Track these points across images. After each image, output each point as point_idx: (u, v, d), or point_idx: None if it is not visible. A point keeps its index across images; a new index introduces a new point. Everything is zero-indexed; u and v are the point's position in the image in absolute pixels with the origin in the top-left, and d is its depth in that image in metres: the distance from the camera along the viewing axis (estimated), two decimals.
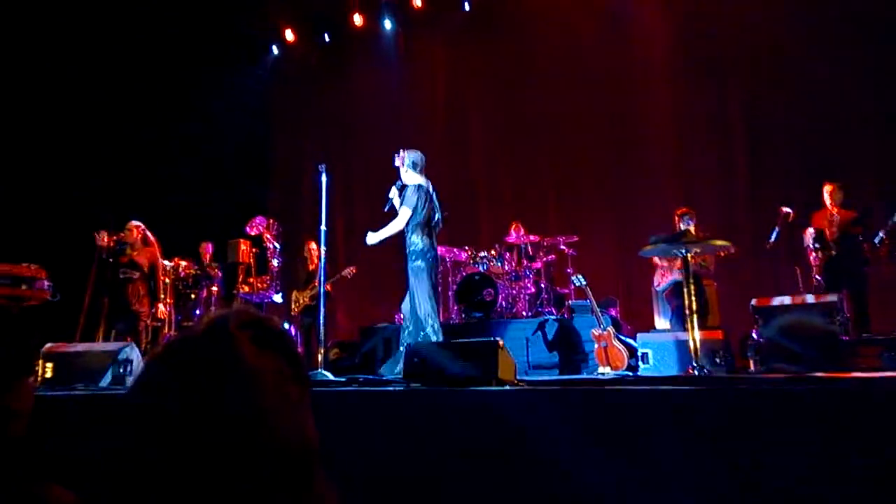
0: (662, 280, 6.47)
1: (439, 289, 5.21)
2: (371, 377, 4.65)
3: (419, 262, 5.01)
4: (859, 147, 7.06)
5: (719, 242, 4.03)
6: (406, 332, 5.06)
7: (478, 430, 3.08)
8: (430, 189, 5.18)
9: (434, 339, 4.78)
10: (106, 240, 6.71)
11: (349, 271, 7.63)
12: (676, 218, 6.43)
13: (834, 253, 5.91)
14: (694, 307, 3.93)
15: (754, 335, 5.54)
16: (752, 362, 5.53)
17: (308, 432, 0.85)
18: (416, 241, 5.03)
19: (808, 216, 6.19)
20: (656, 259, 6.49)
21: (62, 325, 6.40)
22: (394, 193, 5.24)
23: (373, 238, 5.27)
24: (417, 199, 5.04)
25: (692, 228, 3.95)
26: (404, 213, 5.07)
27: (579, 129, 8.78)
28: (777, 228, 6.01)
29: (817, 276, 6.02)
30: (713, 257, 5.87)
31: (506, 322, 6.70)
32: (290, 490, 0.81)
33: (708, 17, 8.03)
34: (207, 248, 8.11)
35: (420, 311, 4.92)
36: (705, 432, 2.73)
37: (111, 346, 5.11)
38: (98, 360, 4.70)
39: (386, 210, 5.32)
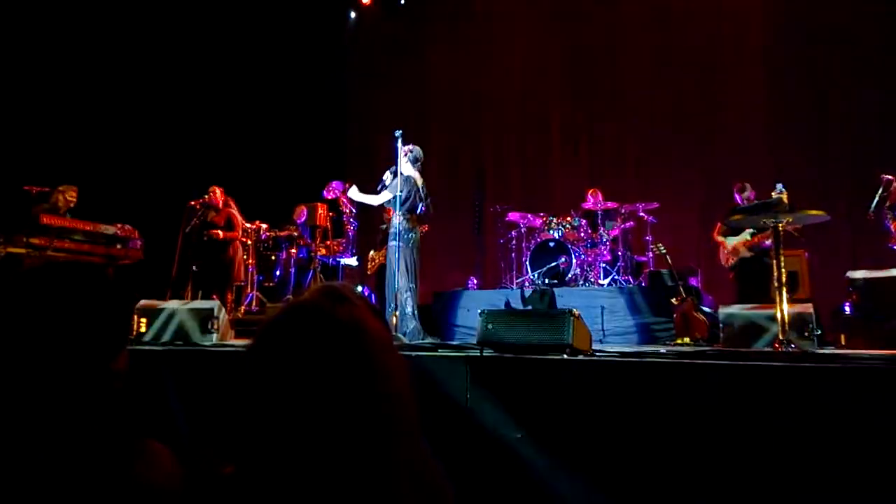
0: (730, 257, 6.21)
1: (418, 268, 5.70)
2: (440, 342, 4.70)
3: (396, 243, 5.50)
4: None
5: (813, 212, 3.78)
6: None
7: (551, 399, 3.06)
8: (421, 183, 5.66)
9: (410, 315, 5.29)
10: (193, 202, 7.00)
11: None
12: (736, 192, 6.13)
13: None
14: (784, 279, 3.72)
15: (847, 308, 5.23)
16: (843, 337, 5.23)
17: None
18: (397, 223, 5.52)
19: None
20: (718, 236, 6.24)
21: (154, 282, 6.76)
22: (387, 177, 5.75)
23: (355, 194, 5.93)
24: (408, 189, 5.57)
25: (784, 197, 3.70)
26: (385, 196, 5.69)
27: (663, 93, 8.44)
28: (878, 196, 5.58)
29: None
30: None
31: (580, 290, 6.59)
32: (406, 446, 0.88)
33: None
34: (302, 212, 8.32)
35: (396, 286, 5.38)
36: (781, 411, 2.61)
37: (199, 303, 5.34)
38: (187, 316, 4.94)
39: (378, 190, 5.86)
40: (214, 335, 4.86)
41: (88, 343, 1.06)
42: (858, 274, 4.63)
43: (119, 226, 6.38)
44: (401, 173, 5.56)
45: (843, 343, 4.94)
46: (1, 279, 1.11)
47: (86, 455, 0.98)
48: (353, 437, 0.83)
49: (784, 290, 3.75)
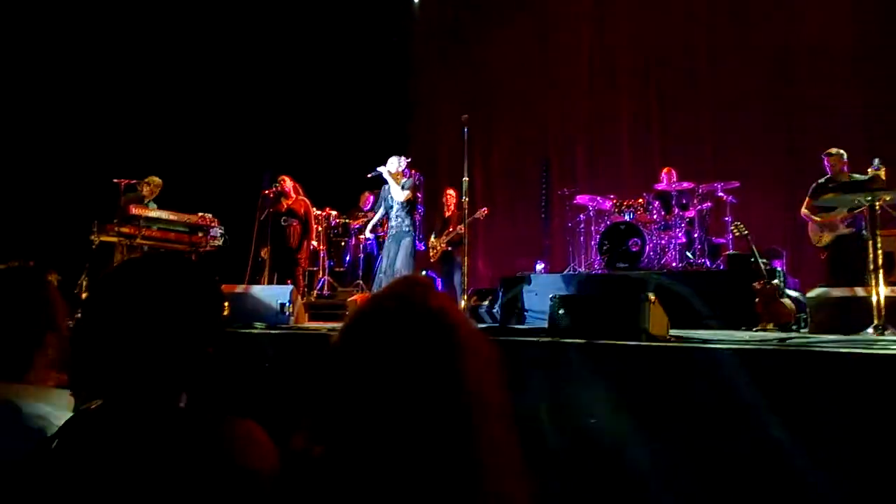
0: (824, 235, 5.81)
1: None
2: (511, 327, 4.66)
3: (411, 240, 6.25)
4: None
5: None
6: None
7: (627, 386, 2.98)
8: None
9: None
10: (267, 191, 7.22)
11: (481, 213, 7.57)
12: (826, 158, 5.71)
13: None
14: (880, 261, 3.48)
15: None
16: None
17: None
18: (410, 223, 6.29)
19: None
20: (807, 211, 5.86)
21: (233, 268, 7.03)
22: (384, 169, 6.44)
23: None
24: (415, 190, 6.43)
25: (882, 173, 3.45)
26: (406, 195, 6.35)
27: (742, 64, 8.03)
28: None
29: None
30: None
31: (653, 273, 6.38)
32: (496, 431, 0.90)
33: None
34: (368, 199, 8.45)
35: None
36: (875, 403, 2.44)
37: (274, 288, 5.51)
38: (264, 300, 5.10)
39: (369, 176, 6.58)
40: (291, 318, 5.00)
41: (194, 327, 1.12)
42: None
43: (200, 215, 6.64)
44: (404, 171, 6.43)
45: None
46: (110, 270, 1.17)
47: (190, 436, 1.03)
48: (442, 422, 0.86)
49: (881, 272, 3.51)
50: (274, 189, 7.31)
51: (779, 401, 2.61)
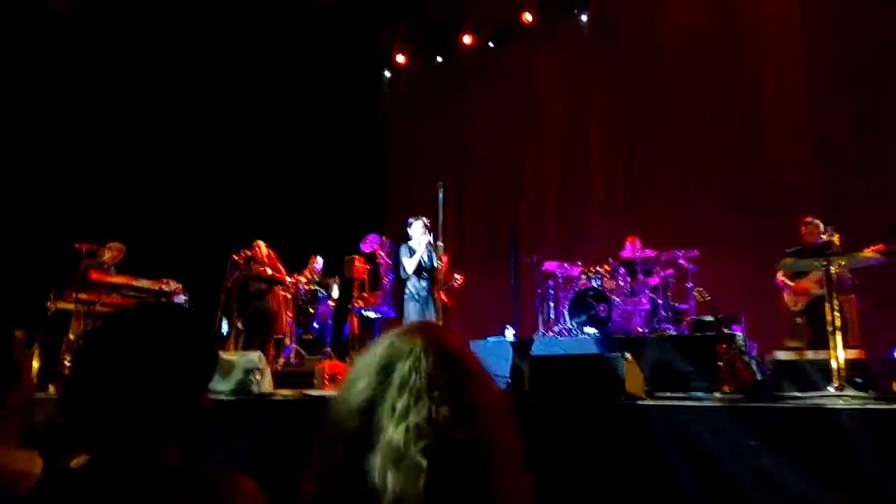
0: (799, 299, 6.02)
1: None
2: None
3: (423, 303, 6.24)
4: None
5: (867, 254, 3.73)
6: None
7: (606, 444, 3.01)
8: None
9: None
10: (237, 257, 7.16)
11: (456, 281, 7.65)
12: (803, 227, 6.00)
13: None
14: (837, 324, 3.65)
15: None
16: (894, 384, 5.04)
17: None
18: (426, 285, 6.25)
19: None
20: (782, 276, 6.10)
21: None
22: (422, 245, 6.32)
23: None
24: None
25: (836, 239, 3.66)
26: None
27: (701, 138, 8.48)
28: None
29: None
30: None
31: (621, 338, 6.49)
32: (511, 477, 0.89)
33: (841, 18, 7.55)
34: (316, 261, 8.44)
35: None
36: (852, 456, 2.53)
37: (243, 356, 5.39)
38: (230, 367, 4.98)
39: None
40: (256, 386, 4.89)
41: (184, 376, 1.10)
42: None
43: (165, 281, 6.53)
44: (429, 243, 6.24)
45: (894, 390, 4.78)
46: (107, 320, 1.16)
47: (186, 492, 1.01)
48: (456, 445, 0.86)
49: (838, 335, 3.67)
50: (243, 254, 7.25)
51: (744, 452, 2.69)
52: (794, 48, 8.04)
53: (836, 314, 3.77)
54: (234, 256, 7.20)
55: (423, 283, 6.26)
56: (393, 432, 0.86)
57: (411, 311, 6.22)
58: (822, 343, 5.02)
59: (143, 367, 1.06)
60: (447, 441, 0.86)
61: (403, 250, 6.37)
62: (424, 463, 0.83)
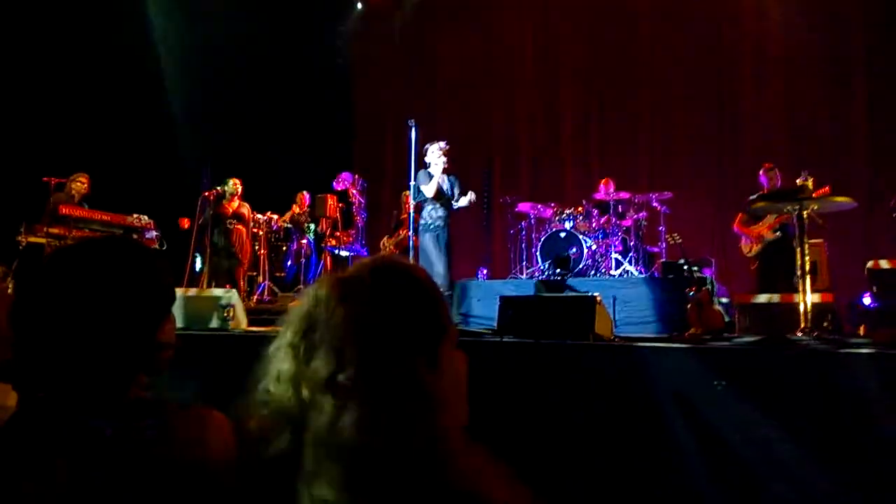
0: (753, 245, 6.18)
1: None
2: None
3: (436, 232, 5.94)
4: None
5: (840, 199, 3.76)
6: None
7: (573, 384, 3.07)
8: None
9: None
10: (207, 193, 7.03)
11: None
12: (762, 173, 6.10)
13: None
14: (807, 267, 3.71)
15: (867, 300, 5.21)
16: (863, 328, 5.21)
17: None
18: (442, 214, 5.95)
19: None
20: (740, 226, 6.24)
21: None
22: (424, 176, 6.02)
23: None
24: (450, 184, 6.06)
25: (810, 183, 3.69)
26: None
27: (676, 80, 8.42)
28: None
29: None
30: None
31: (591, 280, 6.57)
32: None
33: None
34: (305, 198, 8.35)
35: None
36: (804, 398, 2.61)
37: (215, 292, 5.37)
38: (204, 304, 4.97)
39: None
40: (230, 322, 4.89)
41: (134, 311, 1.06)
42: (882, 264, 4.59)
43: (136, 216, 6.41)
44: (444, 174, 5.94)
45: (861, 335, 4.93)
46: (52, 253, 1.11)
47: (146, 427, 0.99)
48: (417, 396, 0.84)
49: (808, 279, 3.74)
50: (215, 191, 7.12)
51: (707, 393, 2.76)
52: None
53: (807, 259, 3.83)
54: (205, 193, 7.07)
55: (441, 212, 5.92)
56: (320, 372, 0.84)
57: (427, 242, 5.88)
58: (775, 287, 5.20)
59: (87, 300, 1.02)
60: (376, 386, 0.83)
61: (422, 175, 5.99)
62: (354, 408, 0.81)
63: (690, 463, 2.66)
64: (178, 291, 5.17)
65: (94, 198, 6.69)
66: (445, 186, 5.96)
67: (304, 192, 8.36)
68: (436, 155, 5.95)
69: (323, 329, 0.87)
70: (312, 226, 8.31)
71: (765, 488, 2.55)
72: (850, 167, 7.21)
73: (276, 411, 0.87)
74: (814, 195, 3.85)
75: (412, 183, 5.92)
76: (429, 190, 5.86)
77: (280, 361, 0.89)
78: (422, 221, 5.98)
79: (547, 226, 7.37)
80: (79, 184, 6.57)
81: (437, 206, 5.91)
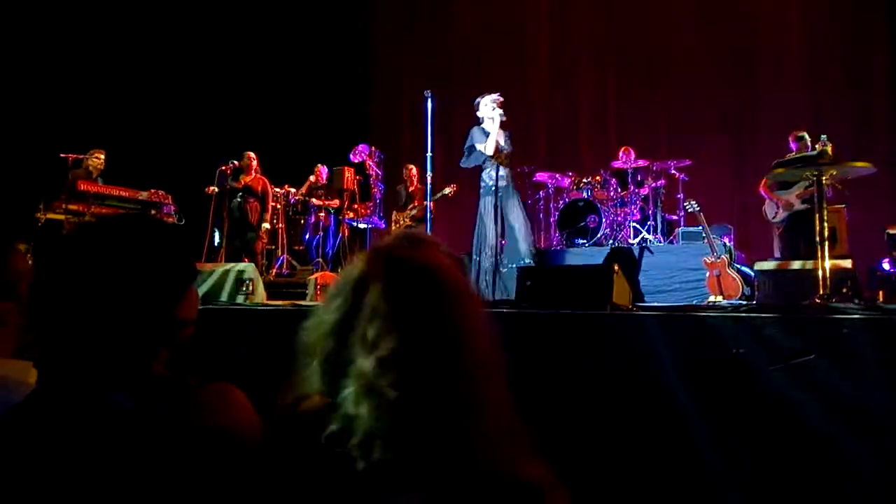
0: (779, 211, 6.08)
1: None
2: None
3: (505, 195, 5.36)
4: None
5: (859, 164, 3.70)
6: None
7: (592, 354, 3.08)
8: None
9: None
10: (224, 167, 7.07)
11: (451, 190, 7.61)
12: (792, 139, 6.00)
13: None
14: (826, 234, 3.67)
15: (886, 265, 5.16)
16: (881, 294, 5.17)
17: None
18: (503, 174, 5.32)
19: None
20: (764, 188, 6.14)
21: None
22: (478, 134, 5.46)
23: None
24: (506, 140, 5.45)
25: (829, 149, 3.62)
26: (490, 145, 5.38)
27: (694, 46, 8.29)
28: None
29: None
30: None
31: (611, 248, 6.55)
32: (486, 388, 0.87)
33: None
34: (322, 171, 8.35)
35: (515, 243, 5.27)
36: (834, 363, 2.60)
37: (233, 265, 5.43)
38: (223, 278, 5.03)
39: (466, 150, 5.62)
40: (249, 296, 4.95)
41: (154, 287, 1.07)
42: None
43: (153, 191, 6.47)
44: (500, 128, 5.30)
45: (880, 300, 4.88)
46: (68, 231, 1.12)
47: (164, 402, 0.99)
48: (428, 377, 0.85)
49: (826, 245, 3.69)
50: (231, 165, 7.16)
51: (724, 362, 2.75)
52: None
53: (825, 225, 3.78)
54: (222, 167, 7.11)
55: (503, 171, 5.22)
56: (363, 363, 0.84)
57: (488, 208, 5.22)
58: (800, 254, 5.15)
59: (106, 276, 1.02)
60: (416, 374, 0.84)
61: (476, 133, 5.35)
62: (394, 395, 0.82)
63: (698, 433, 2.67)
64: (198, 266, 5.24)
65: (112, 173, 6.76)
66: (503, 142, 5.29)
67: (321, 166, 8.35)
68: (489, 108, 5.28)
69: (365, 307, 0.88)
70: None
71: (788, 460, 2.55)
72: (870, 136, 7.07)
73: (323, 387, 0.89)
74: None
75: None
76: (488, 147, 5.18)
77: (322, 338, 0.91)
78: (482, 185, 5.34)
79: (565, 195, 7.33)
80: (95, 159, 6.63)
81: (498, 165, 5.20)
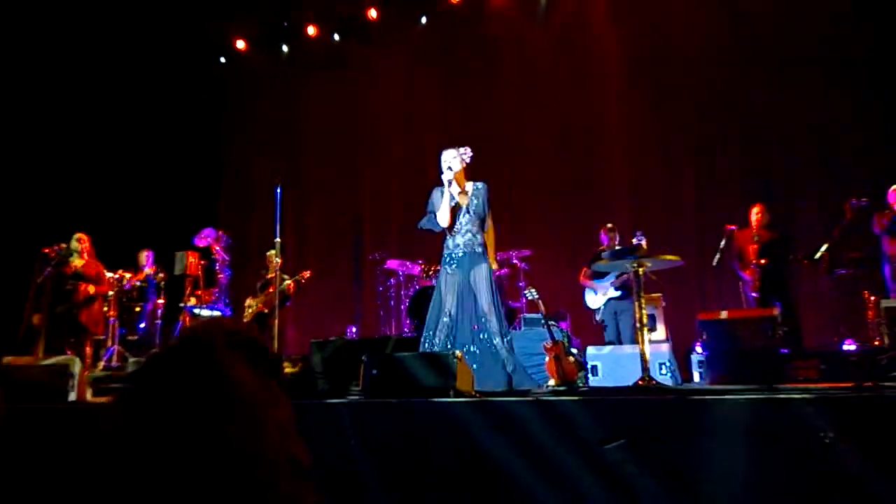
0: (597, 299, 6.78)
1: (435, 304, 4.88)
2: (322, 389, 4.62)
3: (471, 266, 4.73)
4: (802, 161, 7.54)
5: (669, 257, 4.19)
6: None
7: (436, 441, 3.10)
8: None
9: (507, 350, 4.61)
10: (48, 249, 6.49)
11: (303, 275, 7.53)
12: (603, 232, 6.81)
13: (762, 268, 6.23)
14: (644, 320, 4.06)
15: (699, 349, 5.76)
16: (697, 375, 5.76)
17: (298, 453, 0.88)
18: (468, 241, 4.73)
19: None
20: (585, 279, 6.81)
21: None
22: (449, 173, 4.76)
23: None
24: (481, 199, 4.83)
25: (644, 244, 4.09)
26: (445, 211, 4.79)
27: (534, 144, 8.93)
28: (721, 247, 6.31)
29: (752, 293, 6.35)
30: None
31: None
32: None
33: (656, 35, 8.37)
34: (149, 257, 7.89)
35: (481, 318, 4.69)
36: (657, 440, 2.82)
37: (52, 360, 4.90)
38: (40, 373, 4.51)
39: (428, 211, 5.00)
40: (71, 394, 4.47)
41: None
42: (723, 314, 5.11)
43: None
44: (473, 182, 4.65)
45: (696, 380, 5.47)
46: None
47: None
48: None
49: (645, 330, 4.08)
50: (56, 247, 6.58)
51: (568, 443, 2.90)
52: (613, 62, 8.72)
53: (643, 312, 4.20)
54: (45, 250, 6.51)
55: (465, 237, 4.60)
56: None
57: (442, 281, 4.67)
58: (619, 339, 5.70)
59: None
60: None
61: (435, 195, 4.70)
62: None
63: None
64: (7, 360, 4.67)
65: None
66: (472, 199, 4.62)
67: (146, 250, 7.92)
68: (448, 163, 4.67)
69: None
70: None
71: None
72: (681, 228, 7.97)
73: None
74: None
75: (276, 240, 5.51)
76: (441, 216, 4.55)
77: None
78: (445, 252, 4.73)
79: (415, 282, 7.49)
80: None
81: (462, 228, 4.63)
